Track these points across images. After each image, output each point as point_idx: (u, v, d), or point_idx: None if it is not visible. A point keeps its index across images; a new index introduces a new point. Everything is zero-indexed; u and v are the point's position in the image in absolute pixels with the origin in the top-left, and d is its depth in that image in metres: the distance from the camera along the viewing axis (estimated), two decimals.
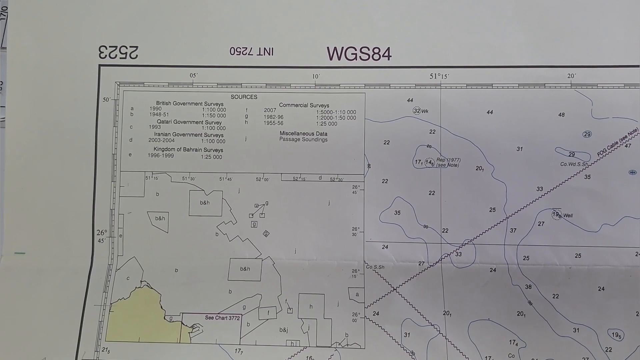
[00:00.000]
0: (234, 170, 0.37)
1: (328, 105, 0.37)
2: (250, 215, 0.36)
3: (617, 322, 0.34)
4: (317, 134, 0.36)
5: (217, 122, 0.37)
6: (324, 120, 0.36)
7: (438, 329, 0.34)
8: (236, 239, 0.36)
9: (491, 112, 0.36)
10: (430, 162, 0.36)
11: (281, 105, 0.37)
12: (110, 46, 0.37)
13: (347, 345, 0.35)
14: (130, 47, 0.37)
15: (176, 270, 0.36)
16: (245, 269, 0.36)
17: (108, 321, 0.35)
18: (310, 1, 0.37)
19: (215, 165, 0.37)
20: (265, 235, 0.36)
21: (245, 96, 0.37)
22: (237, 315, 0.35)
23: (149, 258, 0.36)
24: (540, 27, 0.36)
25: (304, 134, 0.36)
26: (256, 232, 0.36)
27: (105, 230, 0.36)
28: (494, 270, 0.35)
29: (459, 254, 0.35)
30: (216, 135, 0.37)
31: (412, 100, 0.36)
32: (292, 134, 0.36)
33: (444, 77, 0.36)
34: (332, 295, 0.35)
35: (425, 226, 0.36)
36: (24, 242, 0.36)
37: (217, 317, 0.35)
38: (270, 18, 0.37)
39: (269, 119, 0.37)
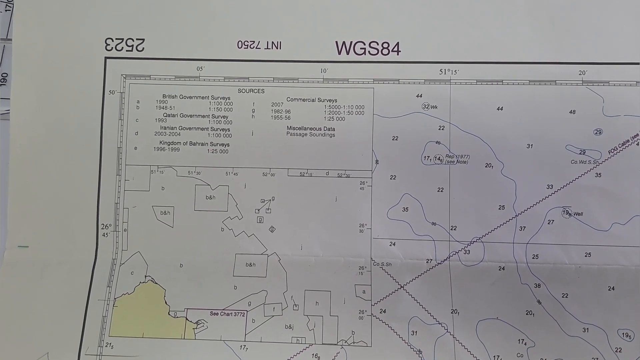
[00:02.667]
0: (240, 165, 0.36)
1: (336, 100, 0.36)
2: (257, 211, 0.36)
3: (627, 322, 0.33)
4: (325, 129, 0.36)
5: (224, 116, 0.36)
6: (331, 116, 0.36)
7: (446, 328, 0.34)
8: (242, 234, 0.36)
9: (501, 109, 0.35)
10: (439, 159, 0.35)
11: (288, 99, 0.36)
12: (116, 38, 0.37)
13: (354, 342, 0.34)
14: (136, 39, 0.37)
15: (181, 265, 0.36)
16: (250, 264, 0.36)
17: (112, 316, 0.35)
18: None
19: (222, 159, 0.36)
20: (271, 231, 0.36)
21: (253, 90, 0.36)
22: (242, 312, 0.35)
23: (154, 253, 0.36)
24: (551, 24, 0.36)
25: (311, 129, 0.36)
26: (262, 227, 0.36)
27: (110, 225, 0.36)
28: (503, 268, 0.35)
29: (467, 252, 0.35)
30: (223, 129, 0.36)
31: (421, 96, 0.36)
32: (300, 128, 0.36)
33: (453, 72, 0.36)
34: (338, 292, 0.35)
35: (434, 223, 0.35)
36: (28, 235, 0.36)
37: (222, 313, 0.35)
38: (278, 11, 0.37)
39: (276, 114, 0.36)
